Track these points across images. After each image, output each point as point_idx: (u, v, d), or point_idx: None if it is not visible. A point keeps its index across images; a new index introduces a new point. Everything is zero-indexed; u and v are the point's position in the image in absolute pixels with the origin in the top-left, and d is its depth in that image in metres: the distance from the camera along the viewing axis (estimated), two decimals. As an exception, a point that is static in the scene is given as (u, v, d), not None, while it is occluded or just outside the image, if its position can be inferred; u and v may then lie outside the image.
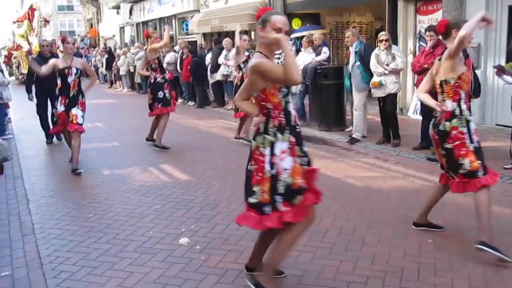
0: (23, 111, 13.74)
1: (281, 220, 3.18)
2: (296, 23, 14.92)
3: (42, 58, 8.69)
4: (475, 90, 6.91)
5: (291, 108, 3.27)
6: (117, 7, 30.96)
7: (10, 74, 26.07)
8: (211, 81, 14.23)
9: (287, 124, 3.21)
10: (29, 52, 25.88)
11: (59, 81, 7.08)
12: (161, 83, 8.39)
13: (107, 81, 23.86)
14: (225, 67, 12.92)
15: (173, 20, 24.05)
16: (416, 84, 8.00)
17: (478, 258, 3.91)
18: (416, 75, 8.13)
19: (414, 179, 6.26)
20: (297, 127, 3.29)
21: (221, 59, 13.13)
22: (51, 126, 8.79)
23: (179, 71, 14.68)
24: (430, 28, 7.49)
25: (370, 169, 6.85)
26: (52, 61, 7.21)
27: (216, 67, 13.45)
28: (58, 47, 30.84)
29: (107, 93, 20.25)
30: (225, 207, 5.36)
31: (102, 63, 23.49)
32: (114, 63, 21.45)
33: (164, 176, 6.85)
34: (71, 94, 7.07)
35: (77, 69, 7.13)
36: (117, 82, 21.94)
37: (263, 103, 3.23)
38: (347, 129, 9.16)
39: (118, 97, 18.39)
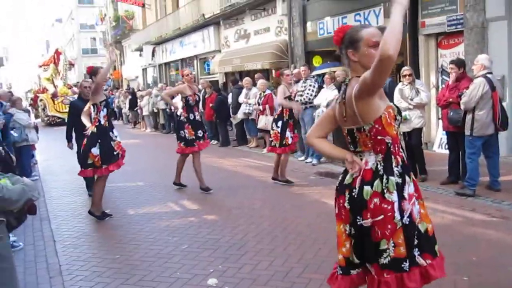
0: (48, 152, 13.96)
1: (427, 277, 2.63)
2: (317, 60, 15.03)
3: (82, 100, 7.97)
4: (503, 123, 6.82)
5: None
6: (140, 49, 31.67)
7: (36, 117, 26.63)
8: (233, 121, 14.34)
9: (407, 162, 2.72)
10: (54, 95, 26.55)
11: (104, 113, 6.69)
12: (183, 122, 8.14)
13: (130, 121, 24.18)
14: (246, 105, 13.01)
15: (195, 61, 24.46)
16: (442, 118, 7.93)
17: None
18: (440, 109, 8.07)
19: (444, 215, 6.12)
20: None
21: (241, 98, 13.23)
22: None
23: (202, 110, 14.81)
24: (452, 62, 7.48)
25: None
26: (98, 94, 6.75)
27: (237, 107, 13.54)
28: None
29: (131, 133, 20.48)
30: (252, 247, 5.28)
31: (125, 104, 23.86)
32: (138, 103, 21.77)
33: (190, 215, 6.81)
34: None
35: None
36: (141, 122, 22.22)
37: (380, 137, 2.60)
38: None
39: (141, 137, 18.57)
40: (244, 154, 12.45)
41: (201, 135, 8.13)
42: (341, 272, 2.80)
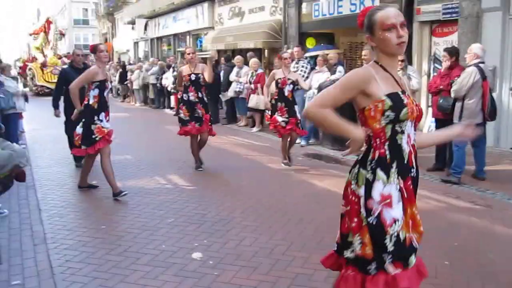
0: (36, 122, 13.85)
1: (393, 286, 2.39)
2: (310, 42, 14.97)
3: (74, 69, 7.97)
4: (491, 113, 6.89)
5: (405, 142, 2.44)
6: (132, 23, 31.30)
7: (24, 86, 26.36)
8: (223, 99, 14.29)
9: (393, 161, 2.42)
10: (43, 64, 26.25)
11: (95, 93, 6.30)
12: (179, 101, 8.07)
13: (120, 95, 24.02)
14: (237, 84, 12.96)
15: (188, 37, 24.25)
16: (432, 105, 7.97)
17: (497, 281, 3.83)
18: (431, 96, 8.11)
19: (429, 201, 6.19)
20: (412, 169, 2.49)
21: (232, 77, 13.18)
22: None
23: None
24: (445, 49, 7.49)
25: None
26: (92, 70, 6.37)
27: (227, 85, 13.49)
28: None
29: (120, 107, 20.36)
30: (237, 223, 5.32)
31: (115, 77, 23.68)
32: (128, 77, 21.61)
33: (177, 190, 6.82)
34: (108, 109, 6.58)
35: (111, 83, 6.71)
36: (130, 96, 22.09)
37: (364, 127, 2.48)
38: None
39: (131, 111, 18.47)
40: (233, 132, 12.45)
41: (197, 116, 7.79)
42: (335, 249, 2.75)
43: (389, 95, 2.38)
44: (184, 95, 7.84)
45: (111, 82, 6.90)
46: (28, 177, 7.46)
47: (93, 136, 6.24)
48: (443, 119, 7.30)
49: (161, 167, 8.31)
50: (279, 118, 8.03)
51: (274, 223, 5.33)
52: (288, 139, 8.23)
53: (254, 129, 12.23)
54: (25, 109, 10.48)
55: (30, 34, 32.92)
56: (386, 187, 2.41)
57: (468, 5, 9.43)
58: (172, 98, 17.40)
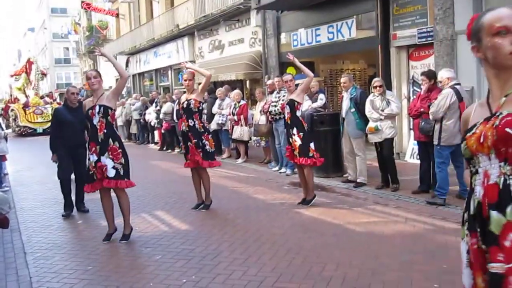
0: (20, 163, 13.73)
1: None
2: (291, 71, 15.11)
3: (68, 108, 7.58)
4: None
5: (479, 184, 1.94)
6: (114, 59, 31.41)
7: (7, 127, 26.18)
8: (206, 131, 14.30)
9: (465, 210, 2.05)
10: (26, 105, 26.19)
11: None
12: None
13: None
14: (219, 116, 12.99)
15: (169, 71, 24.42)
16: (413, 128, 8.07)
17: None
18: (412, 119, 8.22)
19: (416, 223, 6.22)
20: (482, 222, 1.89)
21: (215, 109, 13.22)
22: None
23: (176, 121, 14.76)
24: (423, 73, 7.63)
25: (370, 214, 6.81)
26: (84, 104, 6.06)
27: (211, 117, 13.53)
28: (55, 99, 31.03)
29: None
30: (226, 257, 5.28)
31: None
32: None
33: (163, 226, 6.78)
34: (99, 139, 5.81)
35: (100, 106, 5.78)
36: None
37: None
38: (344, 175, 9.16)
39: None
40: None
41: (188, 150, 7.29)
42: None
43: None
44: (177, 126, 7.63)
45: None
46: (13, 220, 7.37)
47: (90, 173, 5.94)
48: (426, 142, 7.39)
49: (147, 203, 8.26)
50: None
51: (263, 254, 5.30)
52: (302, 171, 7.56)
53: (239, 161, 12.24)
54: (7, 151, 10.42)
55: (12, 75, 32.90)
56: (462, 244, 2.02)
57: (442, 28, 9.65)
58: (156, 133, 17.41)
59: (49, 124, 26.65)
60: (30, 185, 10.75)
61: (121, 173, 5.88)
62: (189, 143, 7.20)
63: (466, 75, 9.23)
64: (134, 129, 19.55)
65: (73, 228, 6.89)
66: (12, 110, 26.88)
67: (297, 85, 10.50)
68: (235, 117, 11.99)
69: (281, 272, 4.75)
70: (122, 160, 5.89)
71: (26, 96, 27.79)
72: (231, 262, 5.08)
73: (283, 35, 15.38)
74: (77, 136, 7.38)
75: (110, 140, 5.82)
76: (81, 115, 6.82)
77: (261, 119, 10.98)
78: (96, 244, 6.11)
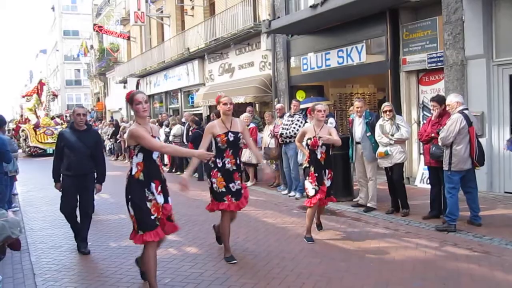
0: (30, 184, 13.79)
1: None
2: (300, 95, 15.22)
3: (75, 131, 6.62)
4: (479, 158, 6.97)
5: None
6: (124, 81, 31.77)
7: (18, 147, 26.36)
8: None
9: None
10: (36, 125, 26.42)
11: (139, 160, 4.81)
12: (210, 166, 6.04)
13: (113, 153, 24.07)
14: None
15: (179, 94, 24.60)
16: (424, 153, 8.04)
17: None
18: (422, 144, 8.20)
19: (427, 249, 6.16)
20: None
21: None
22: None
23: (186, 143, 14.82)
24: (434, 99, 7.63)
25: (381, 240, 6.75)
26: (137, 131, 4.72)
27: (218, 141, 13.53)
28: (66, 120, 31.30)
29: (113, 165, 20.32)
30: (235, 281, 5.25)
31: (108, 135, 23.79)
32: (119, 135, 21.72)
33: (172, 249, 6.75)
34: (162, 177, 4.96)
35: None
36: (123, 154, 22.14)
37: None
38: (354, 199, 9.13)
39: (123, 169, 18.40)
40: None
41: (234, 190, 5.94)
42: None
43: None
44: (218, 160, 5.88)
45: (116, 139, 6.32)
46: (22, 240, 7.37)
47: (152, 217, 4.78)
48: (436, 167, 7.36)
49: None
50: (308, 186, 6.81)
51: (272, 279, 5.26)
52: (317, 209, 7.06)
53: (248, 183, 12.21)
54: (18, 171, 10.49)
55: (23, 96, 33.31)
56: None
57: (452, 53, 9.69)
58: (166, 155, 17.44)
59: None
60: (40, 205, 10.78)
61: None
62: (237, 183, 5.95)
63: (476, 100, 9.25)
64: (143, 150, 19.59)
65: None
66: (23, 130, 27.11)
67: (306, 109, 10.59)
68: (244, 141, 11.99)
69: (291, 297, 4.71)
70: None
71: (37, 117, 28.05)
72: (240, 287, 5.04)
73: (293, 59, 15.49)
74: (84, 163, 6.55)
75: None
76: (89, 139, 6.66)
77: (271, 143, 11.00)
78: (105, 266, 6.10)
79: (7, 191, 9.34)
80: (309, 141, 6.77)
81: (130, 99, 4.82)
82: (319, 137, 6.66)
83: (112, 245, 7.12)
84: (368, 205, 8.42)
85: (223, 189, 5.87)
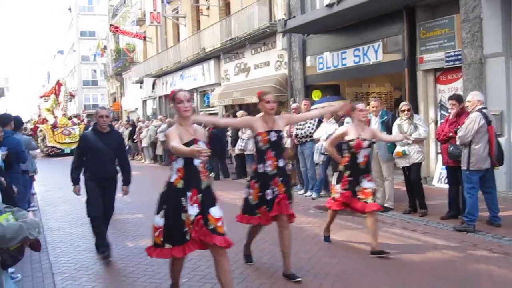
0: (47, 183, 13.93)
1: None
2: (316, 94, 15.18)
3: (97, 133, 6.38)
4: (499, 157, 6.88)
5: None
6: (140, 81, 31.94)
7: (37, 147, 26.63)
8: (232, 154, 14.33)
9: None
10: (54, 126, 26.67)
11: (178, 165, 4.32)
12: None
13: (130, 153, 24.22)
14: (241, 141, 12.99)
15: (195, 93, 24.65)
16: (442, 153, 7.96)
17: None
18: (440, 144, 8.12)
19: (445, 250, 6.10)
20: None
21: (240, 132, 13.27)
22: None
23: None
24: (452, 97, 7.56)
25: (398, 240, 6.70)
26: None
27: (236, 140, 13.58)
28: (83, 120, 31.58)
29: (131, 164, 20.47)
30: (252, 281, 5.25)
31: (125, 135, 23.95)
32: (136, 135, 21.85)
33: (189, 248, 6.76)
34: (203, 186, 4.36)
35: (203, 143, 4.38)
36: (140, 154, 22.29)
37: None
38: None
39: (140, 169, 18.53)
40: (243, 187, 12.40)
41: (269, 198, 5.23)
42: None
43: None
44: (260, 166, 5.24)
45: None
46: (41, 240, 7.46)
47: (184, 230, 4.27)
48: (454, 167, 7.28)
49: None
50: (337, 188, 6.31)
51: (289, 280, 5.25)
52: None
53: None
54: (37, 171, 10.60)
55: (41, 97, 33.67)
56: None
57: (470, 52, 9.59)
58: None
59: (76, 145, 27.23)
60: (58, 205, 10.88)
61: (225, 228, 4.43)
62: (273, 190, 5.22)
63: (495, 99, 9.14)
64: (159, 150, 19.69)
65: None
66: (41, 130, 27.40)
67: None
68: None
69: (309, 297, 4.70)
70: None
71: (55, 117, 28.34)
72: (258, 287, 5.04)
73: (308, 58, 15.45)
74: (108, 166, 6.39)
75: (212, 186, 4.48)
76: (113, 141, 6.47)
77: (287, 142, 10.98)
78: (123, 265, 6.14)
79: (26, 191, 9.44)
80: (352, 143, 6.05)
81: (172, 98, 4.46)
82: (364, 139, 6.06)
83: (129, 244, 7.16)
84: (385, 205, 8.36)
85: (257, 201, 5.27)
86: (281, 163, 5.24)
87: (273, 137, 5.17)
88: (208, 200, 4.32)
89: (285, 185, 5.28)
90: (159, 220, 4.30)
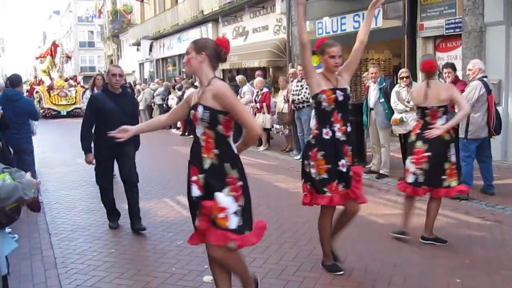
0: (44, 145, 13.92)
1: None
2: (315, 60, 15.01)
3: (109, 94, 5.76)
4: (497, 127, 6.88)
5: None
6: (138, 44, 31.63)
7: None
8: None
9: None
10: (50, 87, 26.48)
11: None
12: (310, 144, 4.40)
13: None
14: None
15: (192, 57, 24.41)
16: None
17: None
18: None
19: (439, 217, 6.09)
20: None
21: (238, 97, 13.23)
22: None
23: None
24: (447, 65, 7.53)
25: (393, 207, 6.77)
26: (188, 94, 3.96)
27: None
28: (79, 82, 31.38)
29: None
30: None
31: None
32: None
33: (185, 211, 6.80)
34: (205, 165, 3.35)
35: (205, 109, 3.30)
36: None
37: None
38: (367, 166, 9.11)
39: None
40: (240, 151, 12.45)
41: (343, 171, 4.27)
42: None
43: None
44: (324, 129, 4.26)
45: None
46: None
47: (195, 213, 3.57)
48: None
49: (169, 188, 8.33)
50: (409, 166, 5.22)
51: (284, 243, 5.32)
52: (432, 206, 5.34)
53: (261, 148, 12.24)
54: (36, 132, 10.56)
55: (37, 58, 33.33)
56: None
57: (471, 19, 9.49)
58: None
59: (73, 107, 27.33)
60: (55, 167, 10.90)
61: (241, 222, 3.35)
62: (345, 161, 4.27)
63: (494, 67, 9.09)
64: (156, 114, 19.64)
65: (97, 211, 6.96)
66: (37, 92, 27.21)
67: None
68: (258, 105, 11.97)
69: (302, 261, 4.78)
70: (242, 201, 3.40)
71: (51, 79, 28.10)
72: (252, 250, 5.09)
73: (308, 23, 15.24)
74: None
75: (227, 166, 3.35)
76: (126, 103, 5.85)
77: (285, 107, 10.97)
78: (119, 227, 6.19)
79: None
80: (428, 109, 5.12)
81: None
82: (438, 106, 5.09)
83: (125, 207, 7.18)
84: (381, 172, 8.41)
85: (325, 175, 4.25)
86: (349, 127, 4.34)
87: (340, 96, 4.23)
88: (213, 182, 3.31)
89: (352, 153, 4.37)
90: (224, 199, 3.31)
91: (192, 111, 3.39)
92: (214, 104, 3.28)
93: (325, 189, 4.28)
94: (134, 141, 6.00)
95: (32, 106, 7.96)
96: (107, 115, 5.60)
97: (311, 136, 4.41)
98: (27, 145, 7.48)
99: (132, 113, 5.95)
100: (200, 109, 3.32)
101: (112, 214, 6.24)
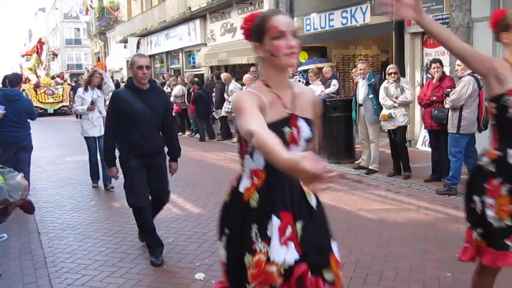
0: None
1: None
2: (303, 56, 15.06)
3: (134, 90, 4.65)
4: (486, 122, 6.92)
5: None
6: (125, 41, 31.41)
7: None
8: (216, 116, 14.28)
9: None
10: (37, 85, 26.26)
11: (257, 164, 2.27)
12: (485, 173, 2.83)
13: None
14: (227, 103, 12.93)
15: (180, 54, 24.36)
16: (424, 117, 8.02)
17: (499, 293, 3.83)
18: (423, 108, 8.16)
19: (428, 212, 6.21)
20: None
21: (226, 95, 13.21)
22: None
23: (187, 104, 14.76)
24: (435, 60, 7.56)
25: (382, 202, 6.80)
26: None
27: (220, 102, 13.52)
28: (66, 80, 31.10)
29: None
30: (238, 241, 5.30)
31: (109, 96, 23.69)
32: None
33: (176, 209, 6.81)
34: (312, 202, 2.55)
35: (307, 122, 2.33)
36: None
37: None
38: (356, 161, 9.15)
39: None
40: (229, 148, 12.44)
41: None
42: None
43: None
44: (510, 150, 2.71)
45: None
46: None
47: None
48: (438, 130, 7.34)
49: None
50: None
51: (275, 239, 5.32)
52: None
53: (234, 139, 12.23)
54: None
55: (23, 55, 33.00)
56: None
57: (458, 15, 9.54)
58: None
59: (60, 105, 27.16)
60: (42, 165, 10.82)
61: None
62: None
63: (481, 63, 9.13)
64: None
65: (86, 209, 6.94)
66: (23, 90, 26.93)
67: (307, 71, 10.48)
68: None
69: (294, 257, 4.78)
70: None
71: (37, 77, 27.87)
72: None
73: (295, 19, 15.23)
74: (154, 137, 4.70)
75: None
76: (157, 102, 4.70)
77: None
78: (109, 225, 6.17)
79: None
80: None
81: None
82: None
83: (116, 205, 7.19)
84: (370, 167, 8.45)
85: (508, 222, 2.72)
86: None
87: None
88: (320, 228, 2.49)
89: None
90: (222, 252, 2.41)
91: (288, 129, 2.22)
92: (312, 115, 2.37)
93: (508, 243, 2.74)
94: (169, 149, 5.00)
95: (32, 105, 7.88)
96: (133, 116, 4.55)
97: (486, 159, 2.84)
98: (28, 143, 7.43)
99: (165, 113, 4.83)
100: (302, 123, 2.29)
101: (152, 246, 4.81)
